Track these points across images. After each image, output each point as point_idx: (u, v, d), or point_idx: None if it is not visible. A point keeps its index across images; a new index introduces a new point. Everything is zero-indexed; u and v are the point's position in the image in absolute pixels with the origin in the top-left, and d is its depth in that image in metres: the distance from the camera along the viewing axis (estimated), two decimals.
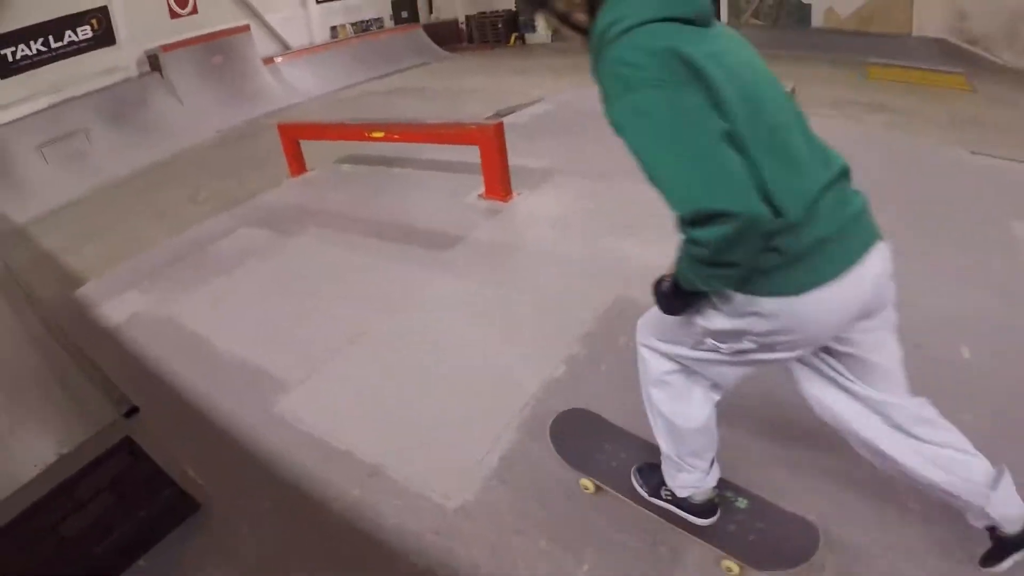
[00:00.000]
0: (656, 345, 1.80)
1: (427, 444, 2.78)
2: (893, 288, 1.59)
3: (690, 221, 1.27)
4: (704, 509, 2.03)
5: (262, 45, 13.01)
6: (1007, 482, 1.67)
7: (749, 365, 1.68)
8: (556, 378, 3.04)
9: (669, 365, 1.81)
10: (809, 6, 12.56)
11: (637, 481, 2.21)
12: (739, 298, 1.47)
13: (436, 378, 3.18)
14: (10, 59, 10.00)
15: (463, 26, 17.61)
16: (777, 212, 1.32)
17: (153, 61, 11.60)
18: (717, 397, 1.85)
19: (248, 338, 3.75)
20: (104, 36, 11.08)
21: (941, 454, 1.65)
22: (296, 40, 13.91)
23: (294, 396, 3.22)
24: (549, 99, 8.31)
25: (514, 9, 16.77)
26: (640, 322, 1.86)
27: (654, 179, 1.32)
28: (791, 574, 1.90)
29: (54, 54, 10.51)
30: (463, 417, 2.90)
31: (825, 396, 1.71)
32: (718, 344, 1.62)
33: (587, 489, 2.37)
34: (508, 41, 16.72)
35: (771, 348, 1.55)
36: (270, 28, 13.46)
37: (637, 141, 1.33)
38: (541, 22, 16.05)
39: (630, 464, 2.29)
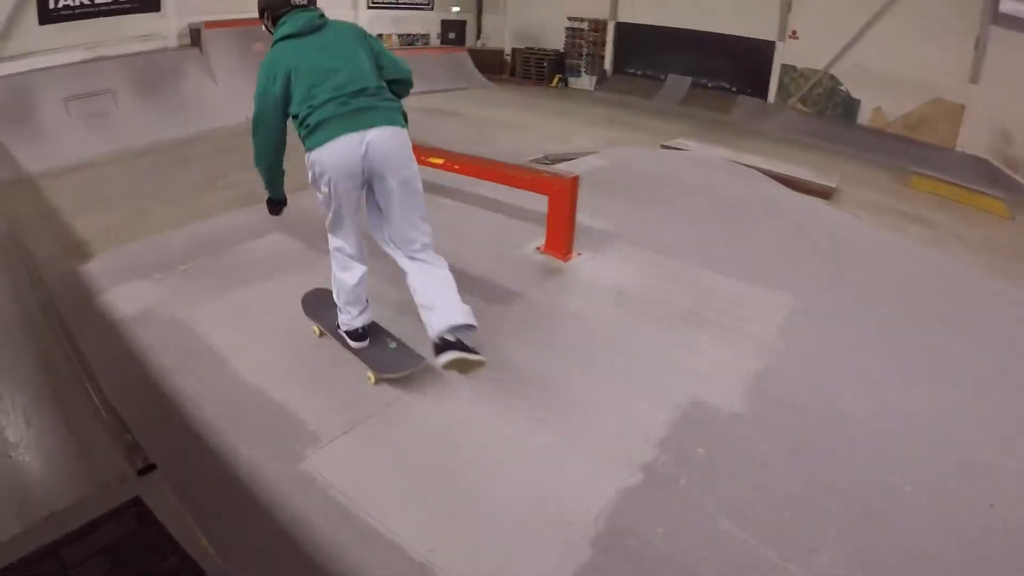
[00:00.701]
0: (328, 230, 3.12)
1: (486, 546, 2.39)
2: (398, 161, 2.87)
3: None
4: (356, 337, 3.26)
5: None
6: (449, 322, 2.79)
7: (339, 202, 2.91)
8: (632, 487, 2.66)
9: (334, 244, 3.15)
10: (858, 101, 12.48)
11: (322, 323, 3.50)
12: (307, 156, 2.86)
13: (492, 462, 2.78)
14: (52, 6, 9.62)
15: (508, 57, 17.51)
16: (311, 107, 2.75)
17: (194, 35, 11.29)
18: (363, 269, 3.19)
19: (276, 369, 3.34)
20: (150, 1, 10.74)
21: (418, 292, 2.94)
22: None
23: (327, 453, 2.81)
24: (604, 154, 8.02)
25: (562, 51, 16.65)
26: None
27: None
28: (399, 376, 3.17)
29: (97, 9, 10.19)
30: (527, 517, 2.50)
31: (374, 226, 3.05)
32: (319, 191, 2.93)
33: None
34: (550, 81, 16.60)
35: (330, 183, 2.82)
36: None
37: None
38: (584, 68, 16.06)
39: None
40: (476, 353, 2.84)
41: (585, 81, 16.42)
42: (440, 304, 2.85)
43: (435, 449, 2.86)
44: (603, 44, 16.14)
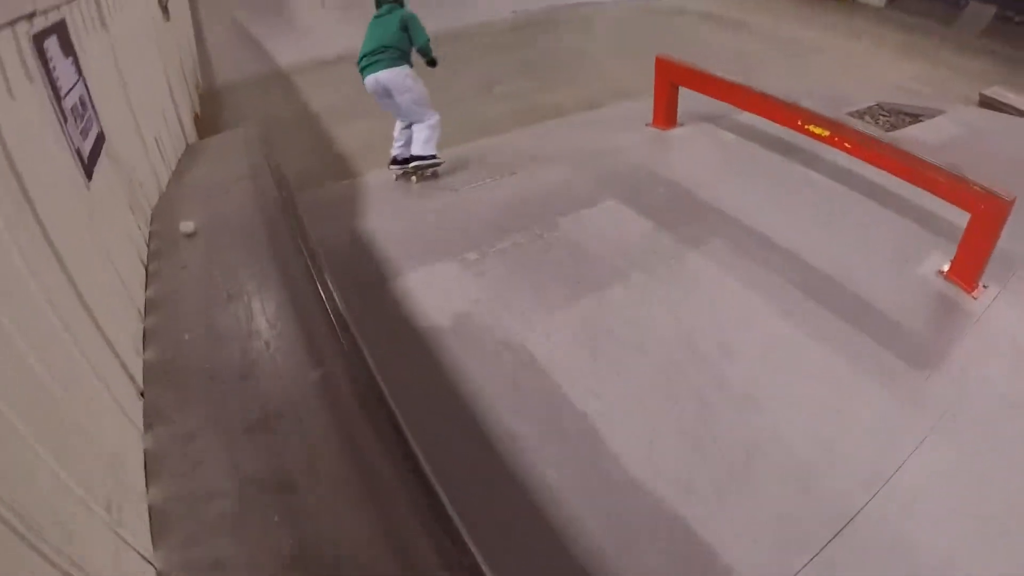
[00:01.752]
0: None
1: None
2: (396, 87, 4.55)
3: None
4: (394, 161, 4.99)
5: None
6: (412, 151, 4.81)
7: (382, 104, 4.79)
8: None
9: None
10: None
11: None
12: None
13: None
14: None
15: None
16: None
17: None
18: (400, 126, 4.92)
19: (640, 435, 2.60)
20: None
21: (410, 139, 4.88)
22: None
23: None
24: (953, 115, 6.35)
25: None
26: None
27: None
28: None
29: None
30: None
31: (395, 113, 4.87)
32: None
33: None
34: None
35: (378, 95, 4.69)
36: None
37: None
38: None
39: None
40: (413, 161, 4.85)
41: None
42: (412, 145, 4.85)
43: None
44: None
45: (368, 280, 3.43)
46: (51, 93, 2.53)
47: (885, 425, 2.72)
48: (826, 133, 3.91)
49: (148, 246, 3.36)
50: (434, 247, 3.67)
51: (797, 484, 2.46)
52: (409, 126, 4.84)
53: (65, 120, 2.65)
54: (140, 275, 3.08)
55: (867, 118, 6.30)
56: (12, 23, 2.16)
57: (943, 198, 3.53)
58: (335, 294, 2.72)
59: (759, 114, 4.54)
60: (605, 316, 3.09)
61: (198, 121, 6.93)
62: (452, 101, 7.10)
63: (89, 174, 2.80)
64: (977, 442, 2.66)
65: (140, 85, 4.31)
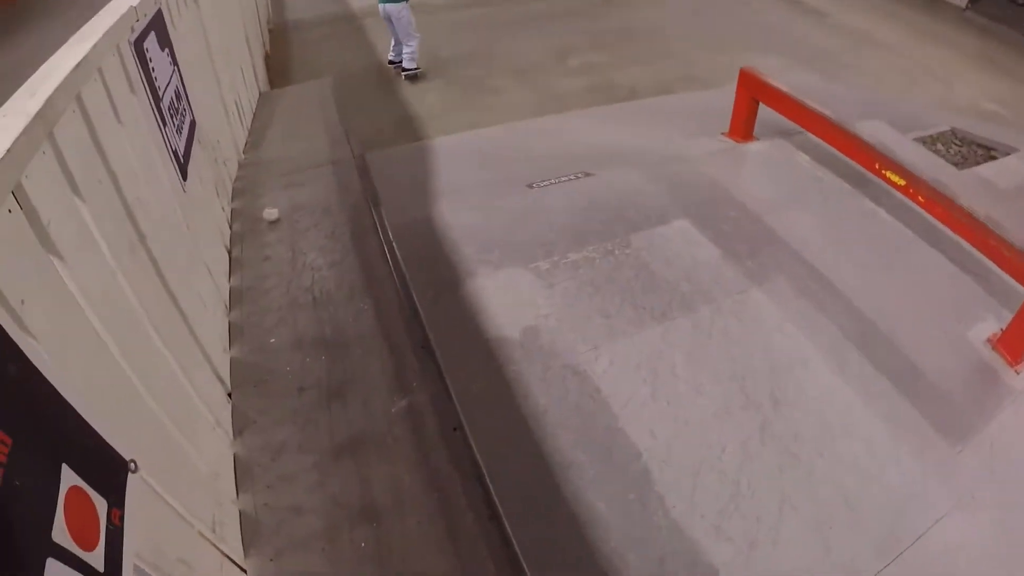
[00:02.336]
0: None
1: None
2: (394, 15, 6.96)
3: None
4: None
5: None
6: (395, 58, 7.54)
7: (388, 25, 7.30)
8: None
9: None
10: None
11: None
12: None
13: None
14: None
15: None
16: None
17: None
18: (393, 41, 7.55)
19: (685, 478, 2.83)
20: None
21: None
22: None
23: None
24: None
25: None
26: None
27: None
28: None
29: None
30: None
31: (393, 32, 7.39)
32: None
33: None
34: None
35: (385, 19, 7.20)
36: None
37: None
38: None
39: None
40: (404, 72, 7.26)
41: None
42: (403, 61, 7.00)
43: None
44: None
45: (442, 276, 3.62)
46: (151, 99, 2.52)
47: (911, 493, 2.92)
48: (902, 182, 3.98)
49: (231, 227, 3.50)
50: (508, 249, 3.83)
51: (819, 542, 2.69)
52: (399, 44, 7.31)
53: (164, 124, 2.64)
54: (224, 262, 3.19)
55: (939, 145, 6.25)
56: (116, 42, 2.16)
57: (1005, 271, 3.64)
58: (419, 306, 2.91)
59: (838, 149, 4.58)
60: (668, 349, 3.27)
61: (267, 61, 7.05)
62: (528, 68, 7.13)
63: (184, 173, 2.81)
64: (996, 525, 2.87)
65: (223, 48, 4.32)
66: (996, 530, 2.84)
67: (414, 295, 3.11)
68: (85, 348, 1.49)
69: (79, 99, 1.75)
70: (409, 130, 6.18)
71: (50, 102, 1.51)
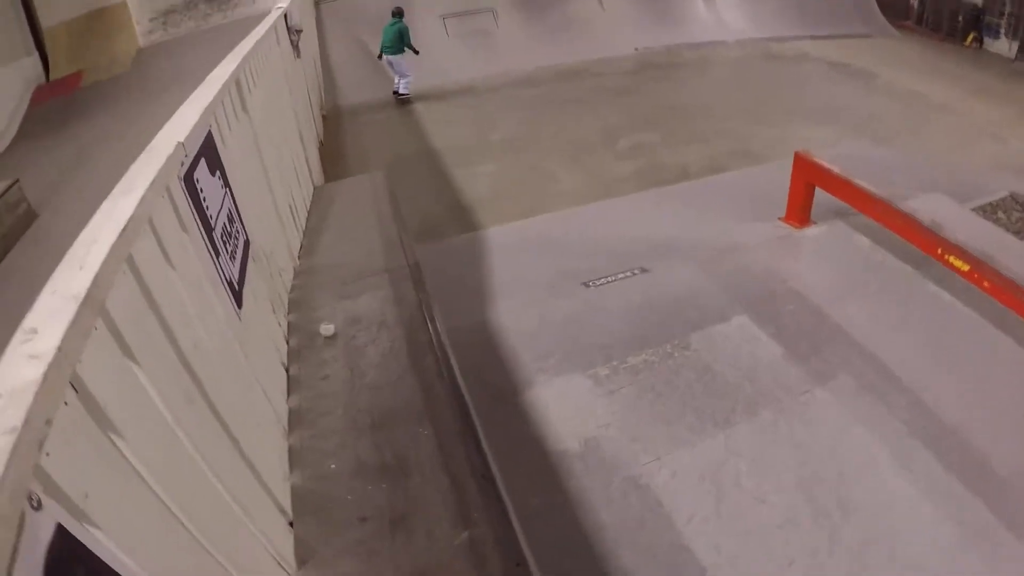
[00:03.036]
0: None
1: None
2: (396, 63, 10.26)
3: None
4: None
5: None
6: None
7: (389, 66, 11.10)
8: None
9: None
10: None
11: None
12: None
13: None
14: None
15: (916, 1, 14.38)
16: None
17: None
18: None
19: None
20: None
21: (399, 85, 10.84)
22: None
23: None
24: None
25: (979, 3, 13.28)
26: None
27: None
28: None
29: None
30: None
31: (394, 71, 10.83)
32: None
33: None
34: (964, 39, 13.42)
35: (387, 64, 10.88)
36: None
37: None
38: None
39: None
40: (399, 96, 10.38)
41: (1003, 45, 12.98)
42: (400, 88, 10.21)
43: None
44: None
45: (500, 387, 3.77)
46: (203, 232, 2.39)
47: None
48: (966, 268, 4.00)
49: (287, 342, 3.49)
50: (565, 354, 3.97)
51: None
52: (400, 78, 10.20)
53: (217, 254, 2.51)
54: (282, 382, 3.15)
55: (1000, 213, 6.18)
56: (166, 183, 2.08)
57: None
58: (477, 426, 3.04)
59: (899, 234, 4.62)
60: (731, 458, 3.33)
61: (321, 148, 7.30)
62: (578, 152, 7.36)
63: (240, 301, 2.69)
64: None
65: (275, 153, 4.24)
66: None
67: (472, 412, 3.25)
68: (150, 520, 1.49)
69: (130, 259, 1.69)
70: (462, 217, 6.40)
71: (100, 275, 1.45)
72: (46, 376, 1.16)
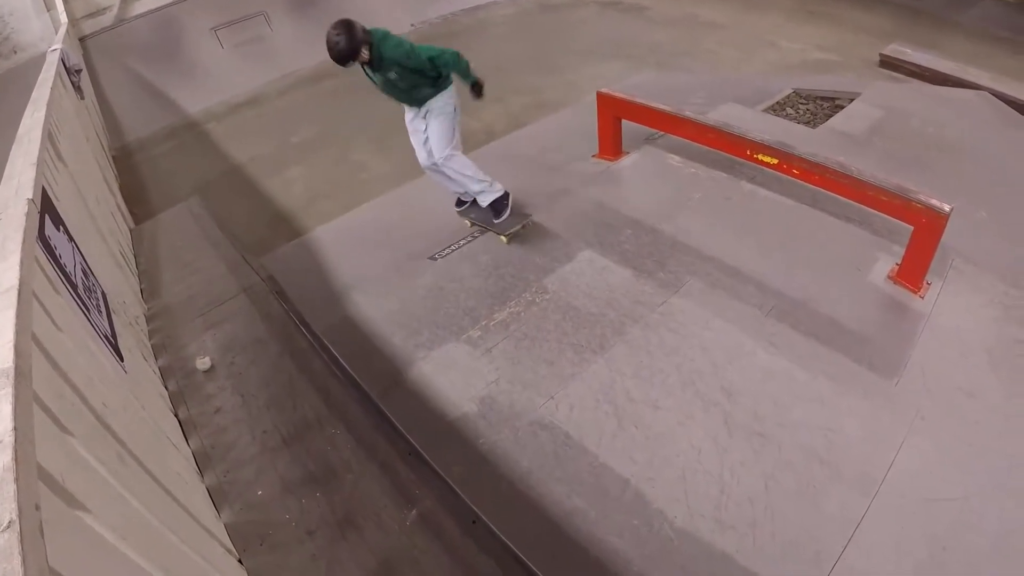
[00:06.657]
0: (450, 149, 4.72)
1: None
2: (429, 117, 4.78)
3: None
4: (505, 199, 4.95)
5: None
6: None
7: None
8: None
9: (457, 154, 4.80)
10: None
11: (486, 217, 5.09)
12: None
13: None
14: None
15: None
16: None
17: None
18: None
19: (675, 488, 3.24)
20: None
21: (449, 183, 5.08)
22: None
23: None
24: (869, 95, 7.29)
25: None
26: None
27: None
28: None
29: None
30: None
31: (420, 153, 4.93)
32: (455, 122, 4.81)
33: None
34: None
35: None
36: None
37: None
38: None
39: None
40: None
41: None
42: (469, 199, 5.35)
43: None
44: None
45: (387, 373, 3.90)
46: (70, 290, 2.45)
47: (870, 432, 3.45)
48: (775, 162, 4.66)
49: (167, 387, 3.48)
50: (435, 327, 4.17)
51: (808, 503, 3.15)
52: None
53: (88, 310, 2.57)
54: (176, 429, 3.16)
55: (788, 110, 7.15)
56: (33, 253, 2.10)
57: (887, 215, 4.32)
58: (389, 415, 3.16)
59: (708, 145, 5.25)
60: (617, 377, 3.70)
61: (122, 189, 6.93)
62: (381, 136, 7.48)
63: (120, 354, 2.76)
64: (948, 433, 3.44)
65: (94, 197, 4.27)
66: (950, 439, 3.41)
67: (375, 400, 3.39)
68: None
69: (35, 339, 1.73)
70: (285, 225, 6.34)
71: (20, 366, 1.51)
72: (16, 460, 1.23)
